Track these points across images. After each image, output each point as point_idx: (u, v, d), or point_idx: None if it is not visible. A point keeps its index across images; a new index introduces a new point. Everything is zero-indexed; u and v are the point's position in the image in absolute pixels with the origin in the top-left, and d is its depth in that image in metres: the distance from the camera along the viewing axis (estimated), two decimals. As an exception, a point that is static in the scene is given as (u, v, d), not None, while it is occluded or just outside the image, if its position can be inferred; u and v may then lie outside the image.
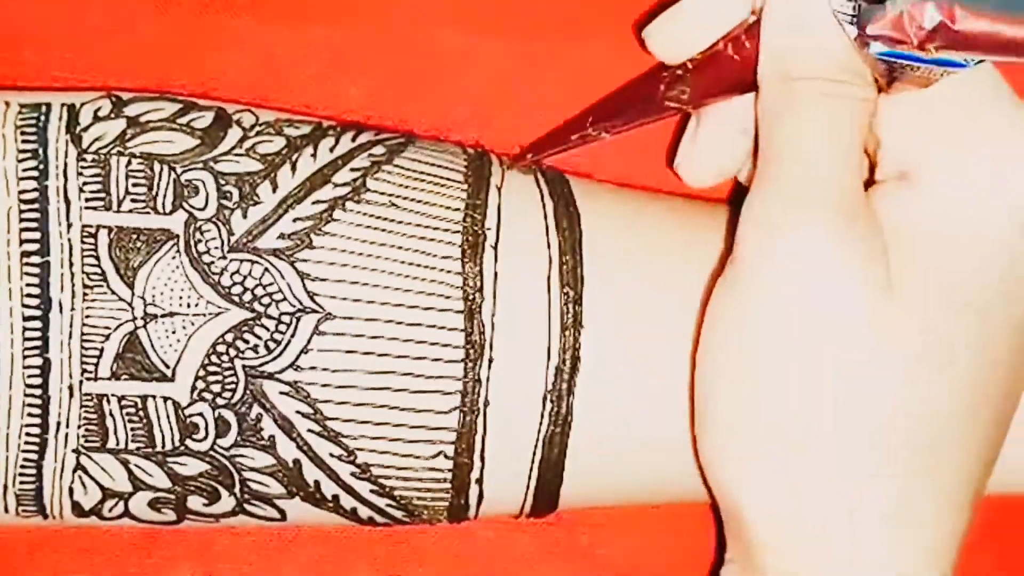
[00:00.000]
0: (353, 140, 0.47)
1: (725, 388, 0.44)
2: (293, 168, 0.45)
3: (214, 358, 0.44)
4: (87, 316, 0.44)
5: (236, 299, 0.44)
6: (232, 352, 0.44)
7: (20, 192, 0.44)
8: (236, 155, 0.45)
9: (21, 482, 0.45)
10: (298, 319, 0.45)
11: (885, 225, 0.44)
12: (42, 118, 0.45)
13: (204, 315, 0.44)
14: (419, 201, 0.46)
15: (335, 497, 0.46)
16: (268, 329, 0.45)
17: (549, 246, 0.46)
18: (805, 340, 0.43)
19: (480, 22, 0.53)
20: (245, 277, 0.45)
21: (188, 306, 0.44)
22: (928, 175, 0.44)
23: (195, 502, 0.46)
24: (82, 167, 0.45)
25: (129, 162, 0.45)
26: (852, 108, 0.44)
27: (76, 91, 0.47)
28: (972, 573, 0.55)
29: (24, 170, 0.44)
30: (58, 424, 0.44)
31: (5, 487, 0.45)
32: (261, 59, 0.52)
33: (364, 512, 0.47)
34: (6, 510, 0.46)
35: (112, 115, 0.45)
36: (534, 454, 0.47)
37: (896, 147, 0.45)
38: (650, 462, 0.47)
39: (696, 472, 0.47)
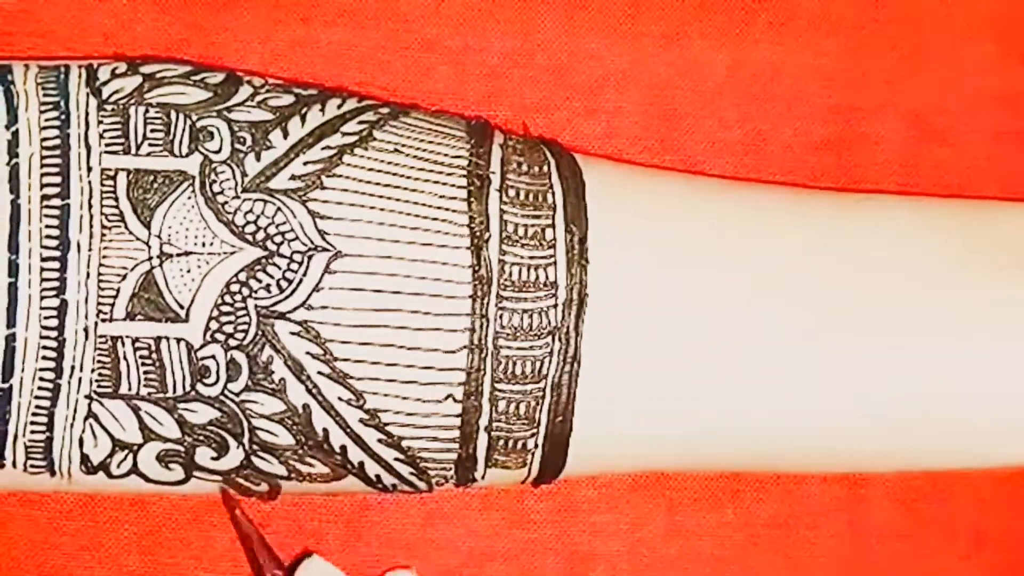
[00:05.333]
0: (359, 102, 0.49)
1: None
2: (303, 119, 0.47)
3: (227, 298, 0.45)
4: (104, 256, 0.45)
5: (249, 238, 0.45)
6: (245, 291, 0.45)
7: (43, 140, 0.45)
8: (248, 106, 0.47)
9: (32, 431, 0.45)
10: (310, 257, 0.46)
11: None
12: (62, 76, 0.47)
13: (218, 254, 0.45)
14: (424, 150, 0.48)
15: (343, 449, 0.47)
16: (280, 268, 0.45)
17: (553, 191, 0.48)
18: None
19: (480, 22, 0.55)
20: (258, 216, 0.46)
21: (203, 245, 0.45)
22: None
23: (203, 455, 0.46)
24: (102, 116, 0.46)
25: (147, 110, 0.46)
26: None
27: (91, 58, 0.49)
28: (972, 572, 0.56)
29: (47, 120, 0.46)
30: (72, 368, 0.45)
31: (15, 436, 0.45)
32: (262, 58, 0.54)
33: (372, 468, 0.47)
34: (14, 464, 0.46)
35: (128, 73, 0.47)
36: (543, 399, 0.47)
37: None
38: (670, 416, 0.48)
39: (717, 427, 0.48)
